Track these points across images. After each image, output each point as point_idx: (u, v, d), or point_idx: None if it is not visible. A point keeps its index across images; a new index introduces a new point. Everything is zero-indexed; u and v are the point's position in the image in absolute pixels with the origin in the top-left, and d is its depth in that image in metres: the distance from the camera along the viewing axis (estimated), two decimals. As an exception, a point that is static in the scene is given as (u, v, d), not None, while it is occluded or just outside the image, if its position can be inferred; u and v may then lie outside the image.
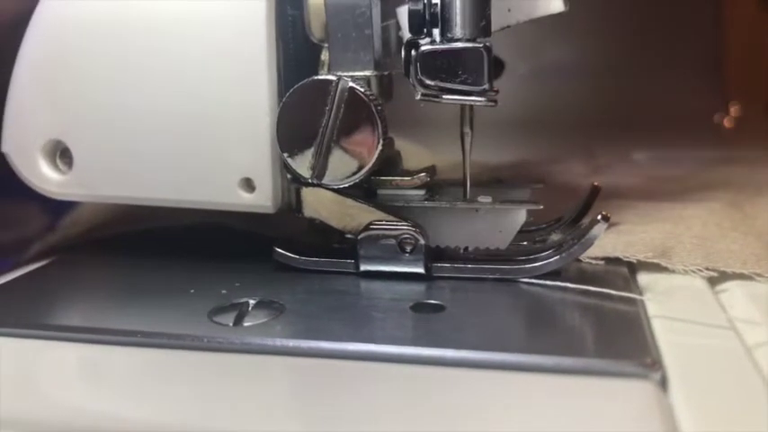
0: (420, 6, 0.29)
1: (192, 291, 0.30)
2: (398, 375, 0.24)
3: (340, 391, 0.23)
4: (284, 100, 0.29)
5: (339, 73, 0.30)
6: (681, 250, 0.31)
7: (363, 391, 0.23)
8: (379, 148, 0.29)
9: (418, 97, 0.29)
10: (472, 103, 0.29)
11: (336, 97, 0.29)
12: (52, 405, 0.23)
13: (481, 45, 0.28)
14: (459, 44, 0.28)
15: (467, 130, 0.31)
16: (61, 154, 0.33)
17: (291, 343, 0.25)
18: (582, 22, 0.60)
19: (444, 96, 0.29)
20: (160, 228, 0.36)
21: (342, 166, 0.30)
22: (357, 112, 0.29)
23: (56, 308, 0.30)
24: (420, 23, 0.29)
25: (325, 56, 0.32)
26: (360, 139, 0.29)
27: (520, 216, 0.30)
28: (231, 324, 0.27)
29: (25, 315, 0.29)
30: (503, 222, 0.30)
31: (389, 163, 0.32)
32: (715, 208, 0.37)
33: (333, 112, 0.29)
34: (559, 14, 0.30)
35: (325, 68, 0.32)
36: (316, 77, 0.29)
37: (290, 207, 0.32)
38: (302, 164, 0.30)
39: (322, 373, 0.24)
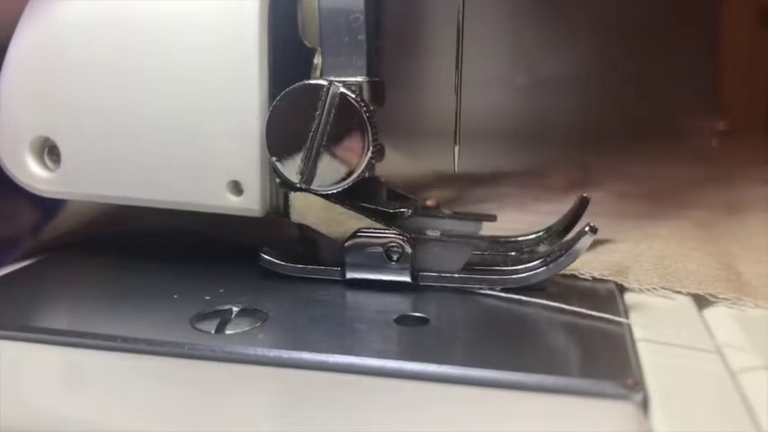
0: None
1: (176, 296, 0.29)
2: (380, 389, 0.23)
3: (320, 403, 0.23)
4: (274, 103, 0.29)
5: (331, 78, 0.30)
6: (638, 269, 0.31)
7: (344, 403, 0.23)
8: (369, 154, 0.29)
9: None
10: None
11: (327, 102, 0.29)
12: (29, 408, 0.23)
13: None
14: None
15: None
16: (49, 151, 0.33)
17: (273, 353, 0.25)
18: (579, 36, 0.60)
19: None
20: (144, 230, 0.36)
21: (331, 172, 0.29)
22: (347, 118, 0.29)
23: (36, 310, 0.29)
24: None
25: (317, 60, 0.32)
26: (349, 145, 0.29)
27: (464, 253, 0.30)
28: (213, 332, 0.26)
29: (4, 316, 0.28)
30: (450, 255, 0.30)
31: (372, 190, 0.32)
32: (683, 226, 0.37)
33: (323, 117, 0.29)
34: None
35: (318, 73, 0.32)
36: (307, 82, 0.29)
37: (278, 211, 0.31)
38: (291, 168, 0.30)
39: (303, 384, 0.24)
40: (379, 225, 0.30)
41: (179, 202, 0.32)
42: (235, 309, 0.28)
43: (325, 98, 0.29)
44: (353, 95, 0.29)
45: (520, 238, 0.33)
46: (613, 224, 0.36)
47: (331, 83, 0.29)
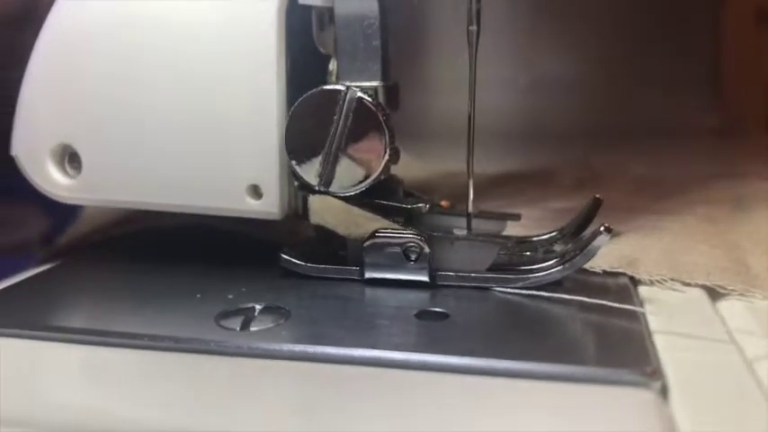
0: None
1: (199, 295, 0.30)
2: (405, 381, 0.24)
3: (346, 395, 0.23)
4: (293, 108, 0.30)
5: (347, 83, 0.31)
6: (647, 261, 0.32)
7: (370, 396, 0.23)
8: (386, 157, 0.30)
9: None
10: None
11: (345, 107, 0.30)
12: (59, 407, 0.24)
13: None
14: None
15: (472, 27, 0.31)
16: (70, 158, 0.33)
17: (298, 348, 0.25)
18: (579, 36, 0.61)
19: None
20: (162, 229, 0.37)
21: (349, 175, 0.30)
22: (365, 122, 0.30)
23: (63, 310, 0.30)
24: None
25: (332, 66, 0.33)
26: (367, 148, 0.30)
27: (492, 251, 0.30)
28: (238, 329, 0.27)
29: (32, 317, 0.29)
30: (474, 254, 0.31)
31: (389, 189, 0.33)
32: (690, 222, 0.38)
33: (341, 121, 0.30)
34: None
35: (333, 78, 0.32)
36: (324, 87, 0.30)
37: (297, 214, 0.32)
38: (310, 171, 0.30)
39: (328, 377, 0.24)
40: (396, 225, 0.31)
41: (199, 206, 0.32)
42: (258, 307, 0.29)
43: (342, 103, 0.30)
44: (370, 99, 0.29)
45: (534, 239, 0.34)
46: (621, 219, 0.37)
47: (348, 88, 0.30)
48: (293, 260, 0.32)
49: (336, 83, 0.31)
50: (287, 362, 0.25)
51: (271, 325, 0.27)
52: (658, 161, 0.53)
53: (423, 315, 0.28)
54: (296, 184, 0.31)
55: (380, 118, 0.29)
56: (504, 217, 0.35)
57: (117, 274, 0.34)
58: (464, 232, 0.32)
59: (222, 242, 0.36)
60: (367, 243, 0.31)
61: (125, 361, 0.26)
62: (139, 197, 0.33)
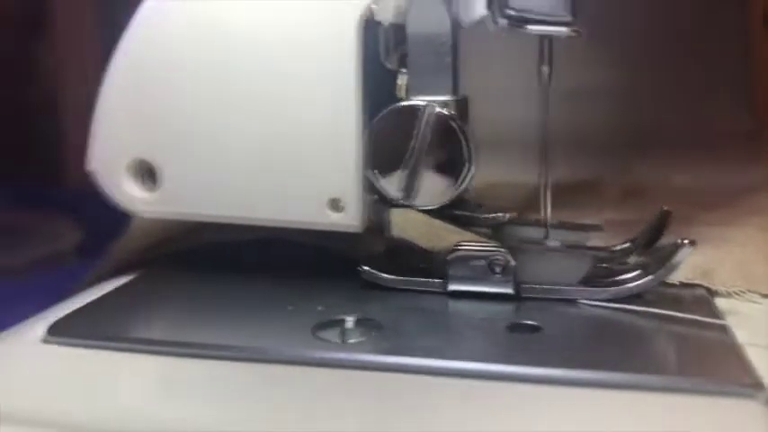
0: None
1: (291, 307, 0.30)
2: (503, 393, 0.24)
3: (453, 408, 0.24)
4: (373, 124, 0.31)
5: (419, 97, 0.31)
6: (722, 272, 0.33)
7: (476, 407, 0.24)
8: (468, 171, 0.30)
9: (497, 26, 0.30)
10: (557, 34, 0.30)
11: (424, 122, 0.30)
12: (162, 420, 0.24)
13: None
14: None
15: (545, 67, 0.32)
16: (148, 172, 0.34)
17: (403, 360, 0.26)
18: (615, 44, 0.61)
19: (529, 26, 0.30)
20: (225, 243, 0.37)
21: (431, 189, 0.31)
22: (445, 136, 0.30)
23: (152, 323, 0.31)
24: None
25: (401, 81, 0.33)
26: (448, 163, 0.30)
27: (586, 263, 0.31)
28: (339, 341, 0.27)
29: (121, 328, 0.29)
30: (568, 266, 0.31)
31: (461, 200, 0.33)
32: (751, 232, 0.38)
33: (421, 135, 0.30)
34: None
35: (403, 92, 0.33)
36: (404, 103, 0.31)
37: (375, 227, 0.32)
38: (392, 186, 0.31)
39: (434, 390, 0.25)
40: (479, 238, 0.31)
41: (279, 219, 0.33)
42: (349, 319, 0.29)
43: (422, 118, 0.30)
44: (449, 114, 0.30)
45: (605, 250, 0.34)
46: (685, 230, 0.37)
47: (428, 103, 0.30)
48: (376, 272, 0.32)
49: (407, 98, 0.32)
50: (388, 374, 0.26)
51: (365, 337, 0.28)
52: (697, 169, 0.53)
53: (514, 327, 0.28)
54: (374, 197, 0.32)
55: (460, 131, 0.30)
56: (586, 228, 0.35)
57: (199, 287, 0.34)
58: (556, 243, 0.32)
59: (289, 255, 0.36)
60: (451, 256, 0.31)
61: (227, 373, 0.26)
62: (219, 211, 0.33)
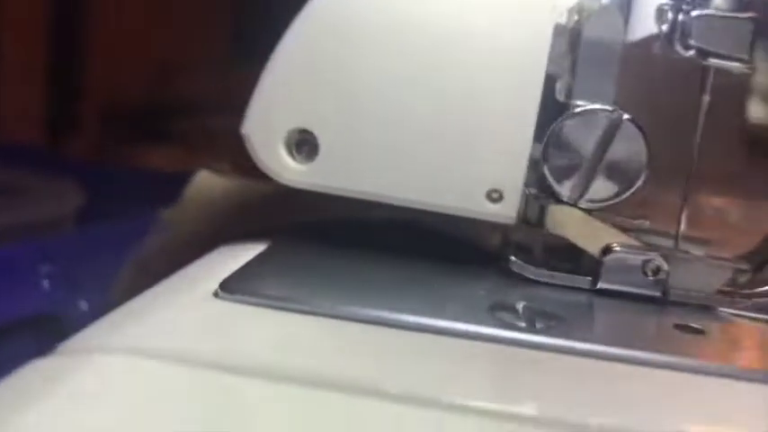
0: None
1: (470, 288, 0.31)
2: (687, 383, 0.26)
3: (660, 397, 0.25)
4: (560, 120, 0.32)
5: (579, 102, 0.33)
6: None
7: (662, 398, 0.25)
8: (643, 177, 0.32)
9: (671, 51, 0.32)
10: (736, 69, 0.32)
11: (609, 126, 0.32)
12: (343, 379, 0.24)
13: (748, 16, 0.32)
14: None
15: (706, 96, 0.34)
16: (304, 142, 0.34)
17: (599, 348, 0.27)
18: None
19: (711, 60, 0.32)
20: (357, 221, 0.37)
21: (602, 191, 0.32)
22: (628, 142, 0.32)
23: (325, 290, 0.31)
24: None
25: (559, 84, 0.35)
26: (626, 167, 0.32)
27: (725, 273, 0.33)
28: (523, 324, 0.28)
29: (296, 292, 0.29)
30: (711, 275, 0.33)
31: None
32: None
33: (605, 139, 0.32)
34: None
35: (563, 96, 0.34)
36: (591, 107, 0.32)
37: (526, 220, 0.34)
38: (564, 184, 0.32)
39: (638, 379, 0.26)
40: (635, 241, 0.33)
41: (433, 204, 0.33)
42: (518, 304, 0.30)
43: (609, 122, 0.32)
44: (637, 121, 0.32)
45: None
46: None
47: (615, 109, 0.32)
48: (525, 264, 0.33)
49: (568, 101, 0.33)
50: (585, 359, 0.27)
51: (541, 324, 0.29)
52: None
53: (681, 327, 0.30)
54: (532, 191, 0.33)
55: (644, 139, 0.32)
56: (706, 242, 0.37)
57: (348, 261, 0.34)
58: (700, 252, 0.34)
59: (415, 239, 0.37)
60: (608, 256, 0.33)
61: (409, 344, 0.27)
62: (372, 188, 0.34)
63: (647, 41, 0.35)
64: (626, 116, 0.32)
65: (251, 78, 0.33)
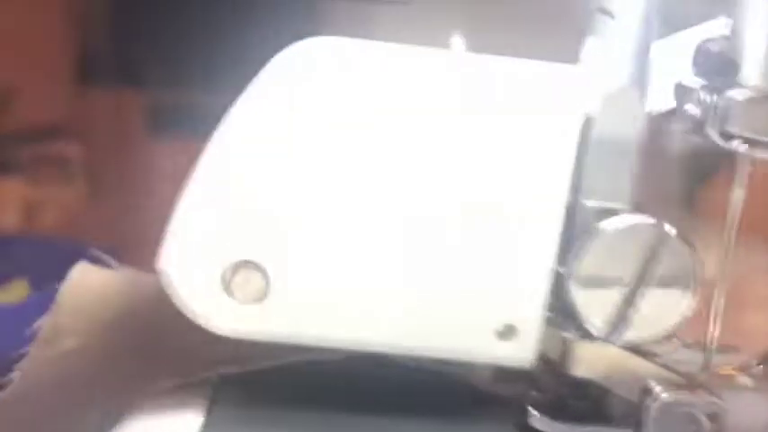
0: (717, 45, 0.26)
1: None
2: None
3: None
4: (582, 244, 0.25)
5: (590, 201, 0.26)
6: None
7: None
8: (692, 305, 0.25)
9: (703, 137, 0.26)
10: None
11: (652, 243, 0.25)
12: None
13: None
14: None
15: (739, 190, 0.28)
16: (245, 281, 0.25)
17: None
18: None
19: (749, 147, 0.25)
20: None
21: (643, 324, 0.25)
22: (675, 262, 0.25)
23: None
24: (715, 64, 0.26)
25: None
26: (672, 295, 0.25)
27: None
28: None
29: None
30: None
31: None
32: None
33: (647, 260, 0.25)
34: None
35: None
36: (632, 221, 0.25)
37: (545, 360, 0.26)
38: (597, 318, 0.25)
39: None
40: (680, 380, 0.26)
41: (430, 348, 0.26)
42: None
43: (650, 239, 0.25)
44: (683, 237, 0.25)
45: None
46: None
47: (659, 222, 0.25)
48: (547, 419, 0.26)
49: (575, 198, 0.26)
50: None
51: None
52: None
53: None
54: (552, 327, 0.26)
55: (693, 257, 0.25)
56: (727, 349, 0.31)
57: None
58: (748, 380, 0.28)
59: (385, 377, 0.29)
60: (654, 404, 0.26)
61: None
62: (340, 336, 0.25)
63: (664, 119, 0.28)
64: (674, 230, 0.25)
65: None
